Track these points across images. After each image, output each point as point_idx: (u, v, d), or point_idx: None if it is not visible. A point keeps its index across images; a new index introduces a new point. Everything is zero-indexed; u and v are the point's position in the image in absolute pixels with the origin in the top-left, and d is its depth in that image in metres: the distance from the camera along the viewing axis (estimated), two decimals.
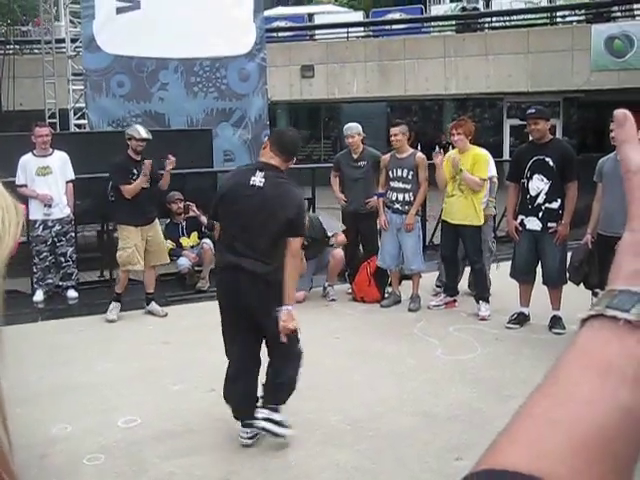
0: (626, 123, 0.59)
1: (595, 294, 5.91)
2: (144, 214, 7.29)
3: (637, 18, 19.86)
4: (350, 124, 8.00)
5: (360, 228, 7.90)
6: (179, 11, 12.05)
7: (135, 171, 7.26)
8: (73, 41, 13.59)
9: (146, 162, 7.23)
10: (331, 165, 8.48)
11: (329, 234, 7.71)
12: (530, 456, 0.47)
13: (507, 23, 22.12)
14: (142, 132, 7.32)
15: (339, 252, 7.82)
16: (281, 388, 4.29)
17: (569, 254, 6.48)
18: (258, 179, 4.12)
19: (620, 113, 0.60)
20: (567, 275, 6.39)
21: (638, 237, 0.54)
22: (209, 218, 4.69)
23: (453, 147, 7.58)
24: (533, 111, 6.50)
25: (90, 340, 6.47)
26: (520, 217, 6.63)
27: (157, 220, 7.57)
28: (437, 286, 7.98)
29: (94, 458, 4.14)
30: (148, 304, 7.49)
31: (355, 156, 7.88)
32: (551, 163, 6.38)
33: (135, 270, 7.36)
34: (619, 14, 20.69)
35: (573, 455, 0.47)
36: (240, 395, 4.30)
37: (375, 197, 7.65)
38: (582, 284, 6.24)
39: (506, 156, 18.69)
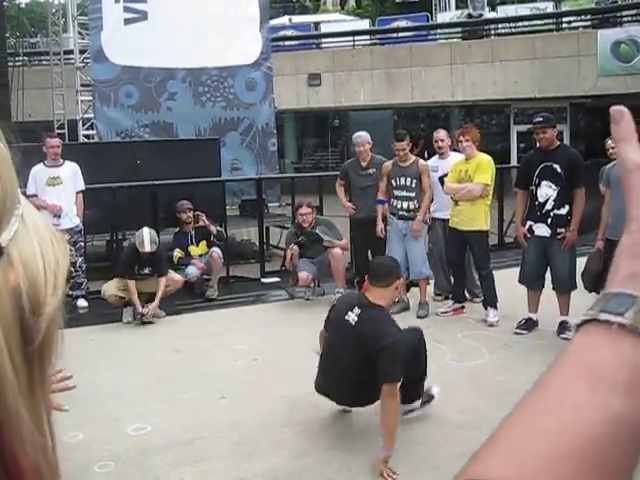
0: (623, 120, 0.55)
1: None
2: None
3: None
4: (359, 133, 8.03)
5: (369, 235, 7.81)
6: (186, 21, 12.15)
7: (137, 267, 7.32)
8: (81, 52, 13.71)
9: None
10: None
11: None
12: (511, 466, 0.45)
13: (513, 29, 22.17)
14: (146, 245, 7.19)
15: (337, 251, 7.80)
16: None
17: (578, 259, 6.48)
18: (353, 316, 4.15)
19: (616, 110, 0.55)
20: (582, 283, 6.34)
21: (635, 238, 0.51)
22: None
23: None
24: (540, 119, 6.46)
25: (100, 349, 6.49)
26: (529, 223, 6.61)
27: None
28: (437, 294, 7.95)
29: (105, 466, 4.16)
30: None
31: (364, 164, 7.89)
32: (559, 170, 6.36)
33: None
34: (625, 19, 20.70)
35: (558, 464, 0.44)
36: None
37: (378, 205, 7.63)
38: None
39: (514, 162, 18.71)
